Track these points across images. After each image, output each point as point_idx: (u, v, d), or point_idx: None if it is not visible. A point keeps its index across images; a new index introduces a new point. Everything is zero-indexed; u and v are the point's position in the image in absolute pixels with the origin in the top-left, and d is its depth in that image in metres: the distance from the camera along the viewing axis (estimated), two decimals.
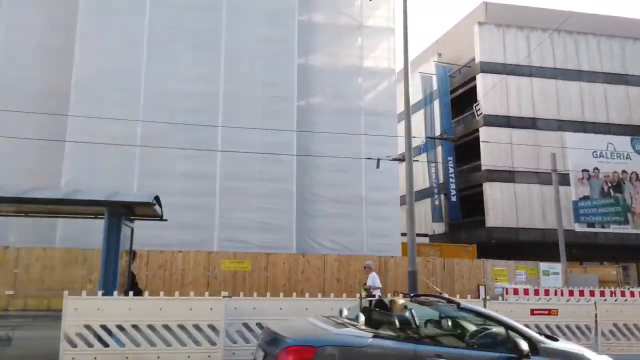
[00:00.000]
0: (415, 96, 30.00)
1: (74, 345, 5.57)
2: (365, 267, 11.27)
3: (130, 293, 6.18)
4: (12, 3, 16.48)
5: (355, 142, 17.67)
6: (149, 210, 7.13)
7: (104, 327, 5.69)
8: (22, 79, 16.07)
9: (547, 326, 7.53)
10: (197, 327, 5.99)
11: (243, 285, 14.24)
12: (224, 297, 6.12)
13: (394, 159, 15.28)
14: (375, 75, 19.28)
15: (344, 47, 19.14)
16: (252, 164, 16.59)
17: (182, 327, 5.89)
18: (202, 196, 16.21)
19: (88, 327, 5.62)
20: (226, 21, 17.36)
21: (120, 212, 6.59)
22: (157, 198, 7.21)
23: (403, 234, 19.52)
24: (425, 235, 25.53)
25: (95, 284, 10.19)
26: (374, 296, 9.05)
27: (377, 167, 15.54)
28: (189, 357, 5.67)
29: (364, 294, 10.27)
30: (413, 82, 30.76)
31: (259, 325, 6.15)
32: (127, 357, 5.69)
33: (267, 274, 14.77)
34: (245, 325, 6.16)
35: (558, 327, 7.66)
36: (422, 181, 28.40)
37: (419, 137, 20.44)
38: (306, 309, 6.34)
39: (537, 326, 7.18)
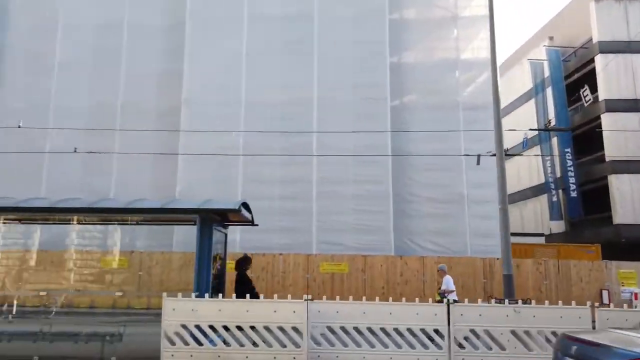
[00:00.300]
0: (525, 85, 27.96)
1: (173, 343, 6.11)
2: (438, 270, 10.85)
3: (247, 295, 6.45)
4: (131, 32, 18.45)
5: (454, 138, 16.93)
6: (239, 216, 7.52)
7: (197, 326, 6.16)
8: (141, 101, 17.95)
9: None
10: (282, 329, 6.21)
11: (341, 287, 14.39)
12: (305, 300, 6.27)
13: (493, 155, 14.34)
14: (474, 67, 18.30)
15: (438, 41, 18.49)
16: (346, 167, 16.73)
17: (267, 328, 6.18)
18: (300, 200, 16.71)
19: (184, 326, 6.14)
20: (317, 28, 17.74)
21: (211, 219, 7.05)
22: (244, 204, 7.59)
23: (514, 234, 18.32)
24: (540, 235, 23.56)
25: None
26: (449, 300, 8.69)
27: (478, 163, 14.74)
28: (274, 358, 5.93)
29: (437, 297, 9.88)
30: (521, 70, 28.78)
31: (343, 328, 6.20)
32: (219, 356, 6.10)
33: (364, 276, 14.75)
34: (329, 328, 6.26)
35: None
36: (536, 176, 26.34)
37: (522, 129, 19.05)
38: (390, 313, 6.24)
39: None
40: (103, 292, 7.52)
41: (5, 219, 7.74)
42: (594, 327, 6.53)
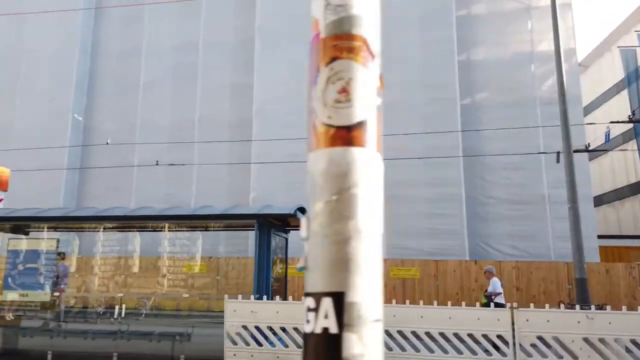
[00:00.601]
0: (616, 75, 25.79)
1: (235, 343, 6.39)
2: (485, 272, 10.32)
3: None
4: (205, 51, 19.59)
5: (531, 135, 16.05)
6: (297, 220, 7.69)
7: (257, 327, 6.39)
8: (215, 114, 18.97)
9: None
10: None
11: (412, 293, 14.12)
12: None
13: (575, 151, 13.36)
14: (552, 59, 17.18)
15: (510, 35, 17.65)
16: (416, 170, 16.43)
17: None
18: None
19: (245, 327, 6.39)
20: (381, 31, 17.65)
21: (269, 224, 7.29)
22: (301, 209, 7.75)
23: (602, 237, 16.93)
24: (637, 237, 21.52)
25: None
26: (495, 303, 8.20)
27: (557, 161, 13.78)
28: None
29: (483, 301, 9.41)
30: (611, 59, 26.55)
31: (400, 333, 6.12)
32: (277, 357, 6.28)
33: (437, 282, 14.35)
34: (387, 332, 6.19)
35: None
36: (633, 173, 24.12)
37: (602, 123, 17.51)
38: (449, 317, 6.06)
39: None
40: (171, 296, 7.96)
41: (98, 227, 8.47)
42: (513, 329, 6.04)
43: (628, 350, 5.78)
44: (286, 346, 6.23)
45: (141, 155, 18.80)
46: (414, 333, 6.17)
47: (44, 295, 7.53)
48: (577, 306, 6.55)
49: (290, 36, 18.43)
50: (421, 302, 6.97)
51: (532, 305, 6.63)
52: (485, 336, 6.07)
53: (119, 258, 10.89)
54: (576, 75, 16.89)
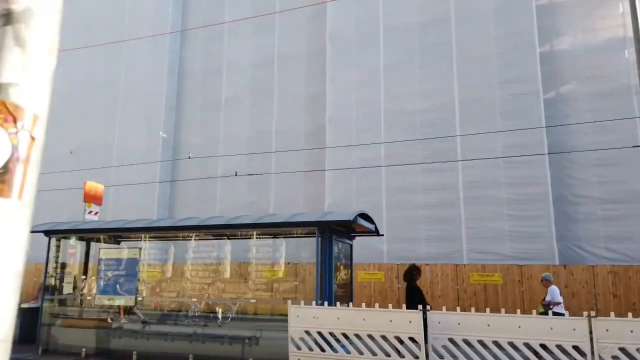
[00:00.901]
0: None
1: (299, 348, 6.57)
2: (543, 280, 9.83)
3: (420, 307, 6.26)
4: (280, 64, 20.32)
5: (625, 127, 14.65)
6: (359, 226, 7.71)
7: (319, 333, 6.52)
8: (292, 124, 19.58)
9: None
10: (399, 339, 6.19)
11: (495, 299, 13.48)
12: (420, 310, 6.15)
13: None
14: None
15: (599, 20, 16.29)
16: (495, 170, 15.69)
17: (384, 337, 6.22)
18: (445, 208, 16.21)
19: (307, 332, 6.55)
20: (454, 30, 17.19)
21: (331, 230, 7.39)
22: (362, 215, 7.78)
23: None
24: None
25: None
26: (554, 313, 7.48)
27: None
28: None
29: (541, 309, 8.75)
30: None
31: (466, 341, 5.93)
32: None
33: (521, 288, 13.57)
34: (451, 340, 6.02)
35: None
36: None
37: None
38: (519, 326, 5.76)
39: None
40: (240, 300, 8.30)
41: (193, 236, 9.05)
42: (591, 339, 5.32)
43: None
44: (348, 352, 6.31)
45: (224, 166, 19.88)
46: (480, 342, 5.95)
47: (129, 299, 8.31)
48: None
49: (360, 41, 18.57)
50: (487, 309, 6.71)
51: (630, 314, 6.12)
52: (559, 347, 5.72)
53: (207, 264, 11.59)
54: None
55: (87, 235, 8.48)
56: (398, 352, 5.99)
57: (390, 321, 6.11)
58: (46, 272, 8.52)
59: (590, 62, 15.88)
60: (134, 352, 7.49)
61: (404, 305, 6.67)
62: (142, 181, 20.28)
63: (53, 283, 8.60)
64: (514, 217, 15.34)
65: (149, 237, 8.91)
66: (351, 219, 7.01)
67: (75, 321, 8.01)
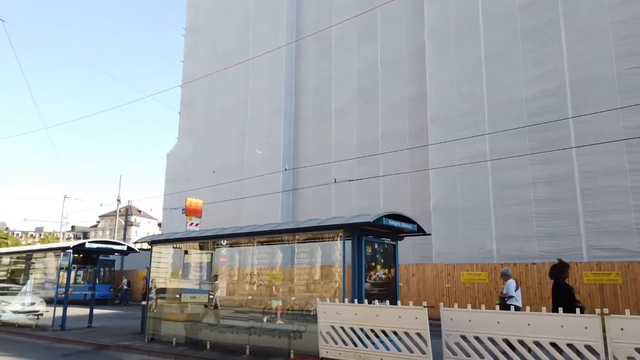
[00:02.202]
0: None
1: (326, 341, 7.03)
2: (502, 275, 9.94)
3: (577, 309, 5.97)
4: (383, 69, 20.79)
5: None
6: (388, 227, 7.82)
7: (342, 328, 6.96)
8: (397, 127, 19.87)
9: None
10: (407, 334, 6.30)
11: (613, 300, 12.01)
12: (424, 307, 6.18)
13: None
14: None
15: None
16: (617, 156, 13.89)
17: (395, 333, 6.40)
18: (560, 202, 14.84)
19: (333, 327, 6.98)
20: (562, 6, 15.69)
21: (360, 232, 7.67)
22: (392, 215, 7.93)
23: None
24: None
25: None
26: (509, 305, 7.69)
27: None
28: None
29: (497, 301, 8.83)
30: None
31: (477, 338, 5.84)
32: (360, 356, 6.72)
33: None
34: (463, 337, 5.94)
35: None
36: None
37: None
38: (528, 324, 5.49)
39: None
40: (288, 298, 8.94)
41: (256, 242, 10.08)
42: (604, 338, 4.44)
43: None
44: (366, 346, 6.66)
45: (336, 173, 20.96)
46: (491, 339, 5.82)
47: (204, 297, 9.82)
48: None
49: (459, 34, 18.08)
50: (497, 307, 6.44)
51: None
52: (570, 346, 5.36)
53: (270, 268, 12.11)
54: None
55: (177, 243, 10.29)
56: (420, 348, 6.10)
57: (400, 317, 6.29)
58: (149, 274, 10.50)
59: None
60: (208, 342, 8.87)
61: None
62: (267, 192, 22.58)
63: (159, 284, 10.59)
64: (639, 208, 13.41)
65: (218, 244, 10.25)
66: (371, 221, 7.29)
67: (170, 315, 9.84)
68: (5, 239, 53.46)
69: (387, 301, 7.25)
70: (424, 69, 19.04)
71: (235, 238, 9.55)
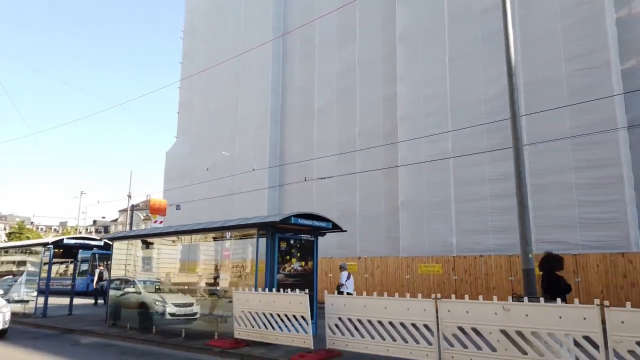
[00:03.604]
0: None
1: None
2: (340, 267, 13.07)
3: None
4: (361, 69, 21.70)
5: None
6: (291, 225, 8.79)
7: (249, 312, 8.05)
8: (372, 126, 20.78)
9: None
10: (295, 317, 7.38)
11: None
12: (306, 293, 7.25)
13: None
14: None
15: None
16: (562, 154, 14.65)
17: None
18: (513, 197, 15.48)
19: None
20: (517, 10, 16.36)
21: (275, 229, 8.69)
22: (304, 215, 8.97)
23: None
24: None
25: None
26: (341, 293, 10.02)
27: None
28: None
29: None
30: None
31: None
32: (262, 336, 7.83)
33: (577, 279, 12.63)
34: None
35: None
36: None
37: None
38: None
39: None
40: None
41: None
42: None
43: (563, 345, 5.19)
44: (266, 328, 7.77)
45: (318, 171, 22.08)
46: (350, 320, 6.76)
47: (153, 288, 11.25)
48: (526, 298, 5.90)
49: (427, 37, 18.89)
50: (335, 292, 7.39)
51: None
52: (414, 325, 6.23)
53: (205, 262, 12.98)
54: None
55: (126, 240, 11.75)
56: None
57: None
58: (104, 267, 11.90)
59: None
60: (154, 327, 10.20)
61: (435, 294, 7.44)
62: (254, 189, 23.83)
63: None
64: (584, 204, 14.16)
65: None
66: (278, 220, 8.35)
67: (126, 304, 11.24)
68: (20, 233, 56.15)
69: (297, 289, 8.31)
70: (395, 71, 19.88)
71: (166, 236, 10.86)
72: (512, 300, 5.93)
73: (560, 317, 5.39)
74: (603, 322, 5.10)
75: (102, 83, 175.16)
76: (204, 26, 31.15)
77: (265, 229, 8.76)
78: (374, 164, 19.96)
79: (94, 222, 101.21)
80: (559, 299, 5.63)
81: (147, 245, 11.98)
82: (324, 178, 19.67)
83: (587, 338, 5.22)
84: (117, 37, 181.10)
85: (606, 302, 5.16)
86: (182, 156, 30.38)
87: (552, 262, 7.57)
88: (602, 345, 5.12)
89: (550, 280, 7.30)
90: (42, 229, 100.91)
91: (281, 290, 7.83)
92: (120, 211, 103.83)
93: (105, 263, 15.06)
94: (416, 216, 18.04)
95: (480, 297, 6.09)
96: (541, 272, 7.53)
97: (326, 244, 20.76)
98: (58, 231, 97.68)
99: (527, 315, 5.59)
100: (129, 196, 41.65)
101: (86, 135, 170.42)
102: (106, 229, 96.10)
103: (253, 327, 8.00)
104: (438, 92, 18.18)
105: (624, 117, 14.18)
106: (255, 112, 26.02)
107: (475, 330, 6.03)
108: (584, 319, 5.21)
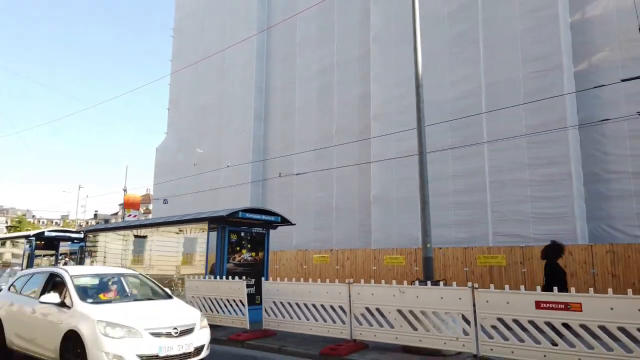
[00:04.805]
0: None
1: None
2: None
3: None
4: (339, 68, 22.45)
5: None
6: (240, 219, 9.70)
7: (198, 297, 8.98)
8: (348, 124, 21.58)
9: None
10: (232, 301, 8.32)
11: (499, 280, 13.72)
12: (242, 280, 8.18)
13: None
14: None
15: None
16: (519, 152, 15.47)
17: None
18: (473, 193, 16.51)
19: (193, 297, 8.82)
20: (481, 14, 17.11)
21: (225, 223, 9.56)
22: (252, 210, 9.86)
23: None
24: None
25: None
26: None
27: None
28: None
29: None
30: None
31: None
32: (208, 318, 8.77)
33: (523, 269, 13.51)
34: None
35: None
36: None
37: None
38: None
39: None
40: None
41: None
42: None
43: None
44: (212, 311, 8.70)
45: (298, 166, 22.91)
46: (289, 304, 7.74)
47: None
48: (417, 282, 6.81)
49: (398, 38, 19.61)
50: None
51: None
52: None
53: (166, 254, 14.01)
54: None
55: (93, 233, 12.71)
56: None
57: (230, 288, 8.16)
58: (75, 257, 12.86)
59: (626, 25, 14.39)
60: None
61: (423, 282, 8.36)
62: (238, 183, 24.71)
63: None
64: (538, 199, 14.99)
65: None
66: (224, 215, 9.23)
67: None
68: (17, 226, 57.33)
69: (244, 277, 9.14)
70: (369, 70, 20.65)
71: (126, 230, 11.80)
72: (419, 285, 6.83)
73: (442, 298, 6.27)
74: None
75: (102, 83, 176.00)
76: (192, 24, 31.93)
77: (216, 222, 9.63)
78: (349, 161, 20.78)
79: (95, 215, 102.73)
80: (507, 286, 6.01)
81: (121, 238, 12.92)
82: (299, 174, 20.54)
83: (463, 316, 6.12)
84: (117, 37, 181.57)
85: (476, 285, 6.03)
86: (171, 151, 31.28)
87: (550, 251, 8.00)
88: (472, 321, 5.99)
89: (552, 268, 7.68)
90: (43, 222, 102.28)
91: (229, 278, 8.71)
92: (120, 205, 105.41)
93: (69, 254, 16.07)
94: (386, 210, 18.89)
95: (383, 281, 6.98)
96: (544, 261, 7.97)
97: (304, 237, 21.78)
98: (59, 224, 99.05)
99: (417, 297, 6.50)
100: (125, 190, 42.61)
101: (86, 135, 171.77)
102: (106, 222, 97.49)
103: (201, 310, 8.90)
104: (408, 91, 18.85)
105: (575, 116, 14.99)
106: (239, 109, 26.85)
107: (378, 310, 6.89)
108: (460, 299, 6.10)
